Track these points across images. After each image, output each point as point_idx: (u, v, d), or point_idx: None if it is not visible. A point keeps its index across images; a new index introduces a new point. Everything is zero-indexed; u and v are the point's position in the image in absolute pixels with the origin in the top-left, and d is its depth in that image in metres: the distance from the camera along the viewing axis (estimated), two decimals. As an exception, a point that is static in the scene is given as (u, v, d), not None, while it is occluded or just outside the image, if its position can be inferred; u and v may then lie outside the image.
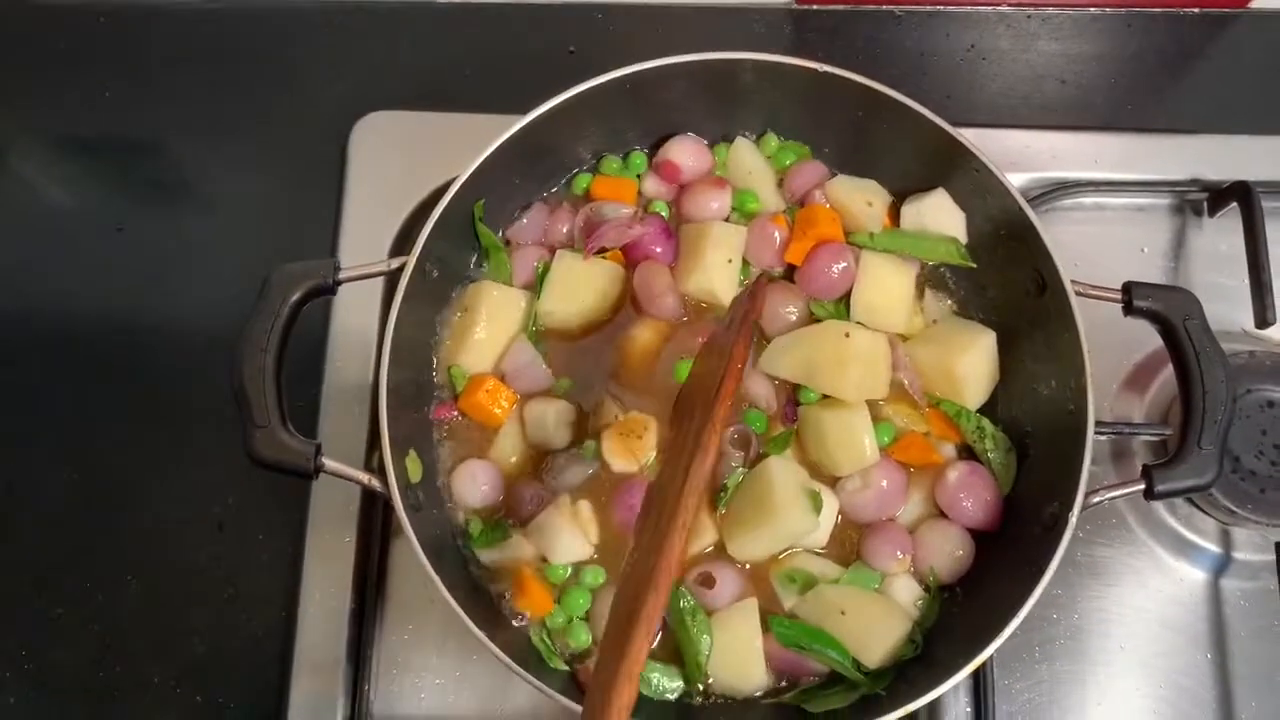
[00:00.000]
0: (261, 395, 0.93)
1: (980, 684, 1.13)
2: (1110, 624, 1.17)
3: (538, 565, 1.08)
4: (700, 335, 1.14)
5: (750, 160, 1.20)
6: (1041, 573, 0.95)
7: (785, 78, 1.12)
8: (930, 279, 1.18)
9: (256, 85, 1.41)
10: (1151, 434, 1.21)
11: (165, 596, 1.20)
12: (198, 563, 1.21)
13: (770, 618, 1.05)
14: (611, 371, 1.14)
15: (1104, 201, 1.31)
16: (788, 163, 1.21)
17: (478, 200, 1.12)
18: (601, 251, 1.15)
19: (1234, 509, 1.15)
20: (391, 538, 1.19)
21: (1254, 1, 1.42)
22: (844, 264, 1.13)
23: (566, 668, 1.04)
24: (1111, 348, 1.21)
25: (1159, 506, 1.21)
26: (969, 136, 1.08)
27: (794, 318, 1.14)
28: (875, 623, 1.04)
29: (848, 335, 1.08)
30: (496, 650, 0.94)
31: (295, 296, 0.97)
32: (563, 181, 1.22)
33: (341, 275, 1.00)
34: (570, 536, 1.06)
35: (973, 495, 1.08)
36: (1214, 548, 1.20)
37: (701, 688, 1.05)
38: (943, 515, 1.10)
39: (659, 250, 1.16)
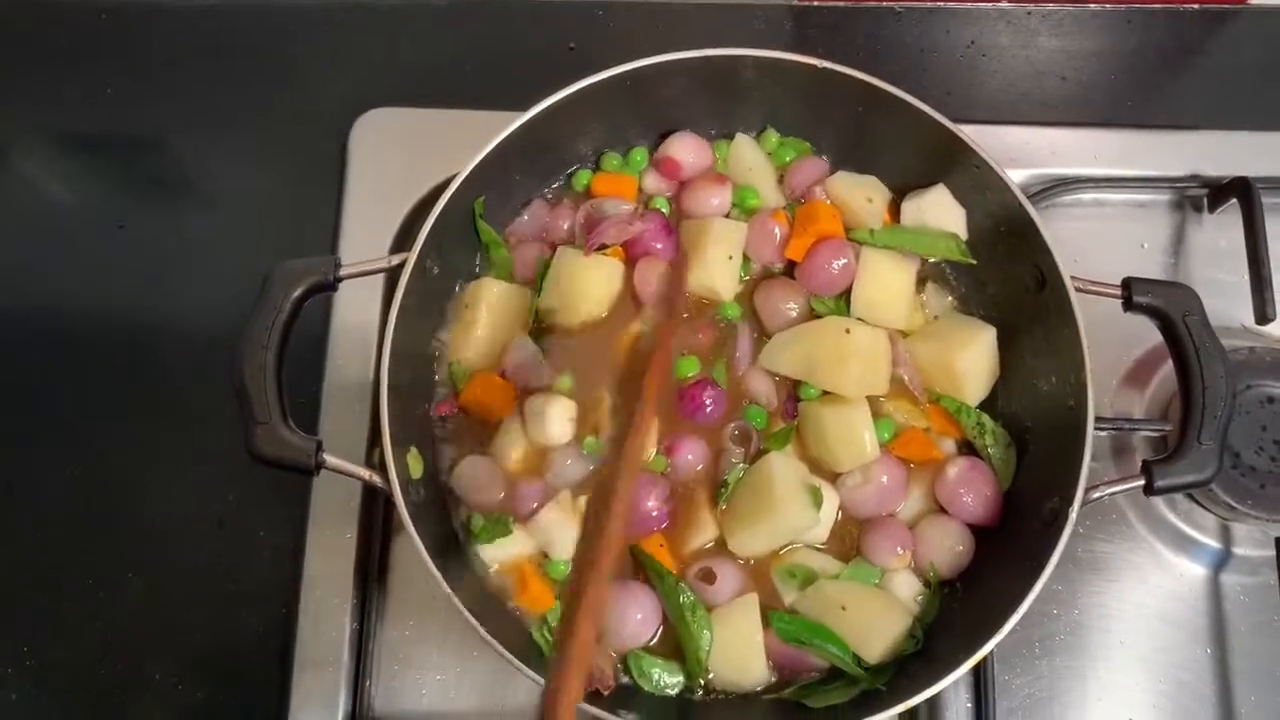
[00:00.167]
0: (263, 392, 0.93)
1: (980, 679, 1.13)
2: (1110, 619, 1.17)
3: (539, 561, 1.08)
4: (700, 332, 1.15)
5: (751, 157, 1.20)
6: (1041, 568, 0.95)
7: (785, 74, 1.12)
8: (932, 274, 1.18)
9: (257, 82, 1.41)
10: (1151, 430, 1.21)
11: (166, 593, 1.20)
12: (199, 560, 1.21)
13: (771, 613, 1.05)
14: (612, 367, 1.14)
15: (1104, 197, 1.32)
16: (788, 159, 1.21)
17: (478, 197, 1.12)
18: (602, 248, 1.15)
19: (1234, 504, 1.15)
20: (393, 534, 1.19)
21: (1254, -3, 1.43)
22: (844, 260, 1.13)
23: (567, 663, 1.04)
24: (1111, 343, 1.21)
25: (1159, 502, 1.21)
26: (969, 133, 1.08)
27: (794, 314, 1.14)
28: (875, 618, 1.04)
29: (848, 331, 1.08)
30: (498, 646, 0.94)
31: (296, 293, 0.97)
32: (563, 178, 1.22)
33: (342, 272, 1.00)
34: (571, 532, 1.06)
35: (973, 491, 1.09)
36: (1214, 543, 1.20)
37: (702, 683, 1.05)
38: (943, 511, 1.10)
39: (659, 246, 1.16)
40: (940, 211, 1.15)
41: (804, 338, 1.11)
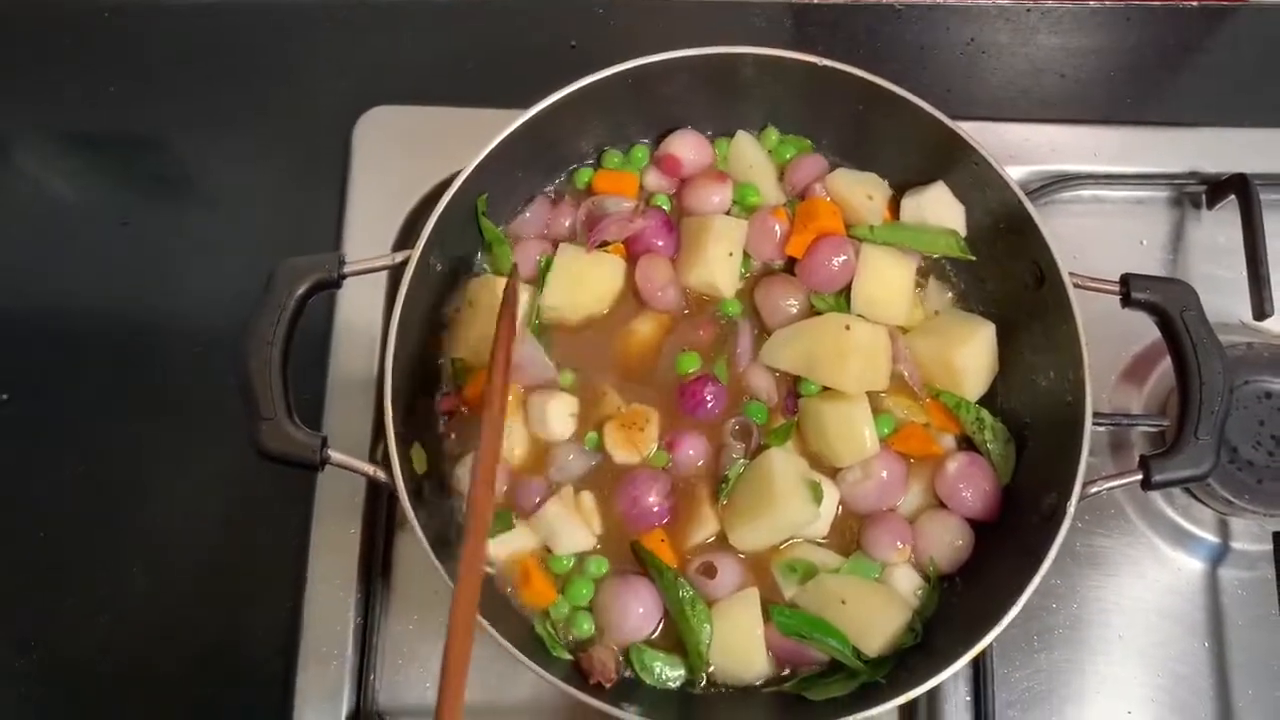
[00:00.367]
0: (268, 388, 0.94)
1: (979, 672, 1.13)
2: (1109, 613, 1.18)
3: (541, 556, 1.08)
4: (701, 329, 1.15)
5: (751, 154, 1.20)
6: (1040, 562, 0.96)
7: (785, 72, 1.12)
8: (932, 270, 1.19)
9: (260, 80, 1.41)
10: (1149, 425, 1.22)
11: (171, 588, 1.21)
12: (203, 555, 1.21)
13: (771, 607, 1.06)
14: (613, 364, 1.15)
15: (1103, 194, 1.32)
16: (788, 156, 1.22)
17: (480, 195, 1.12)
18: (603, 245, 1.16)
19: (1231, 499, 1.16)
20: (396, 529, 1.20)
21: (1252, -5, 1.43)
22: (844, 257, 1.14)
23: (569, 656, 1.05)
24: (1110, 339, 1.22)
25: (1157, 497, 1.22)
26: (968, 130, 1.09)
27: (795, 310, 1.15)
28: (875, 612, 1.05)
29: (848, 328, 1.09)
30: (501, 639, 0.95)
31: (300, 290, 0.98)
32: (565, 175, 1.22)
33: (346, 269, 1.00)
34: (573, 528, 1.07)
35: (972, 486, 1.09)
36: (1212, 538, 1.21)
37: (704, 676, 1.05)
38: (942, 506, 1.11)
39: (660, 243, 1.16)
40: (940, 208, 1.16)
41: (804, 334, 1.12)
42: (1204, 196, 1.31)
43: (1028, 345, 1.11)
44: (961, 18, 1.44)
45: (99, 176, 1.40)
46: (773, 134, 1.22)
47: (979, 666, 1.13)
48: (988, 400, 1.14)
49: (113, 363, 1.29)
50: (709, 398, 1.11)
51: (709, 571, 1.06)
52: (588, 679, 1.01)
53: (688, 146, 1.20)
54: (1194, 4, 1.44)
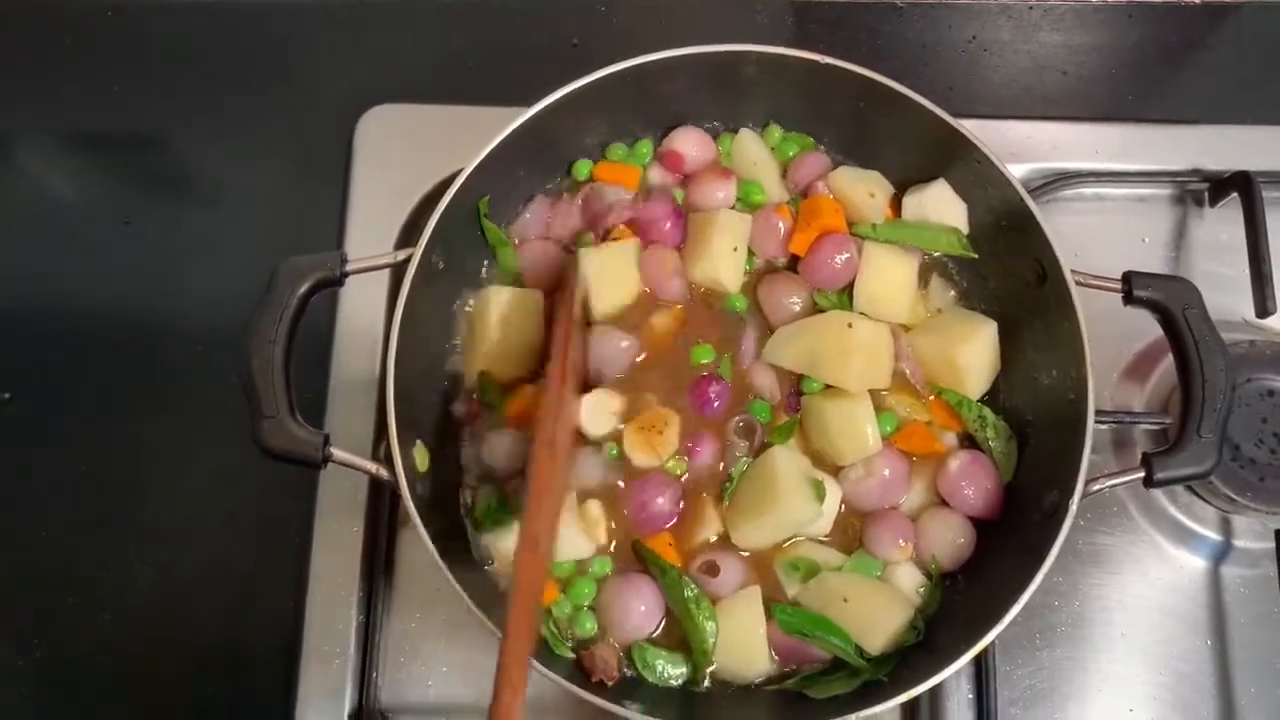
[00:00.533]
0: (270, 386, 0.94)
1: (982, 670, 1.13)
2: (1111, 611, 1.18)
3: None
4: (708, 324, 1.16)
5: (755, 151, 1.20)
6: (1042, 560, 0.96)
7: (787, 70, 1.12)
8: (935, 267, 1.19)
9: (262, 79, 1.41)
10: (1151, 423, 1.22)
11: (174, 586, 1.21)
12: (206, 553, 1.21)
13: (773, 605, 1.06)
14: (640, 364, 1.15)
15: (1105, 192, 1.32)
16: (791, 154, 1.22)
17: (482, 197, 1.12)
18: (607, 234, 1.16)
19: (1234, 497, 1.16)
20: (399, 527, 1.20)
21: (1254, -8, 1.43)
22: (847, 255, 1.14)
23: (572, 655, 1.05)
24: (1112, 337, 1.22)
25: (1159, 494, 1.22)
26: (970, 128, 1.09)
27: (798, 308, 1.15)
28: (877, 610, 1.05)
29: (850, 325, 1.09)
30: (503, 638, 0.95)
31: (303, 288, 0.98)
32: (565, 174, 1.22)
33: (348, 267, 1.00)
34: (571, 535, 1.07)
35: (974, 484, 1.09)
36: (1214, 535, 1.21)
37: (707, 675, 1.05)
38: (944, 504, 1.11)
39: (668, 226, 1.16)
40: (941, 206, 1.16)
41: (807, 332, 1.12)
42: (1206, 194, 1.31)
43: (1030, 343, 1.11)
44: (963, 15, 1.44)
45: (100, 176, 1.40)
46: (775, 131, 1.22)
47: (981, 664, 1.13)
48: (989, 398, 1.14)
49: (114, 362, 1.29)
50: (714, 396, 1.11)
51: (711, 570, 1.06)
52: (590, 677, 1.02)
53: (690, 142, 1.20)
54: (1196, 1, 1.44)
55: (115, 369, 1.29)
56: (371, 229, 1.27)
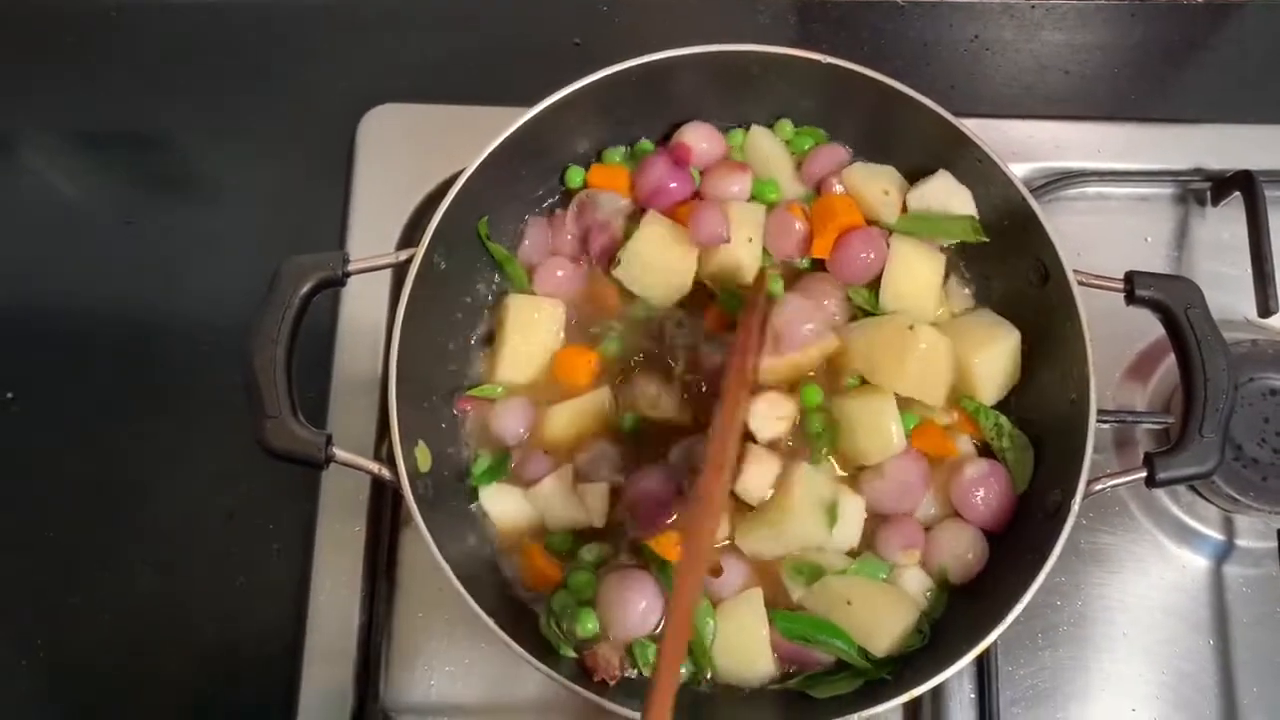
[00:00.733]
0: (273, 386, 0.94)
1: (984, 670, 1.13)
2: (1113, 611, 1.18)
3: (539, 534, 1.10)
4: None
5: (768, 146, 1.20)
6: (1044, 560, 0.96)
7: (789, 69, 1.12)
8: (951, 267, 1.18)
9: (265, 78, 1.41)
10: (1154, 422, 1.22)
11: (177, 586, 1.21)
12: (209, 553, 1.21)
13: (774, 613, 1.05)
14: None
15: (1107, 191, 1.32)
16: (806, 148, 1.21)
17: (480, 218, 1.13)
18: (607, 259, 1.16)
19: (1236, 496, 1.16)
20: (401, 527, 1.20)
21: (1257, -10, 1.43)
22: (876, 250, 1.13)
23: (574, 655, 1.05)
24: (1114, 337, 1.21)
25: (1161, 494, 1.22)
26: (972, 127, 1.09)
27: (833, 309, 1.14)
28: (882, 612, 1.04)
29: (911, 329, 1.08)
30: (505, 637, 0.95)
31: (305, 288, 0.98)
32: (559, 185, 1.22)
33: (350, 267, 1.00)
34: (566, 504, 1.08)
35: (986, 492, 1.07)
36: (1216, 535, 1.21)
37: (709, 674, 1.05)
38: (959, 516, 1.09)
39: (674, 185, 1.15)
40: (944, 196, 1.15)
41: (868, 330, 1.11)
42: (1208, 193, 1.31)
43: (1032, 343, 1.11)
44: (965, 14, 1.44)
45: (103, 176, 1.40)
46: (787, 126, 1.21)
47: (983, 664, 1.13)
48: (1000, 402, 1.13)
49: (117, 362, 1.29)
50: None
51: (714, 570, 1.06)
52: (592, 677, 1.02)
53: (700, 136, 1.19)
54: (1198, 0, 1.43)
55: (117, 369, 1.29)
56: (374, 229, 1.28)
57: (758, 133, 1.21)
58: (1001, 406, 1.13)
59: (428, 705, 1.15)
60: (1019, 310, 1.12)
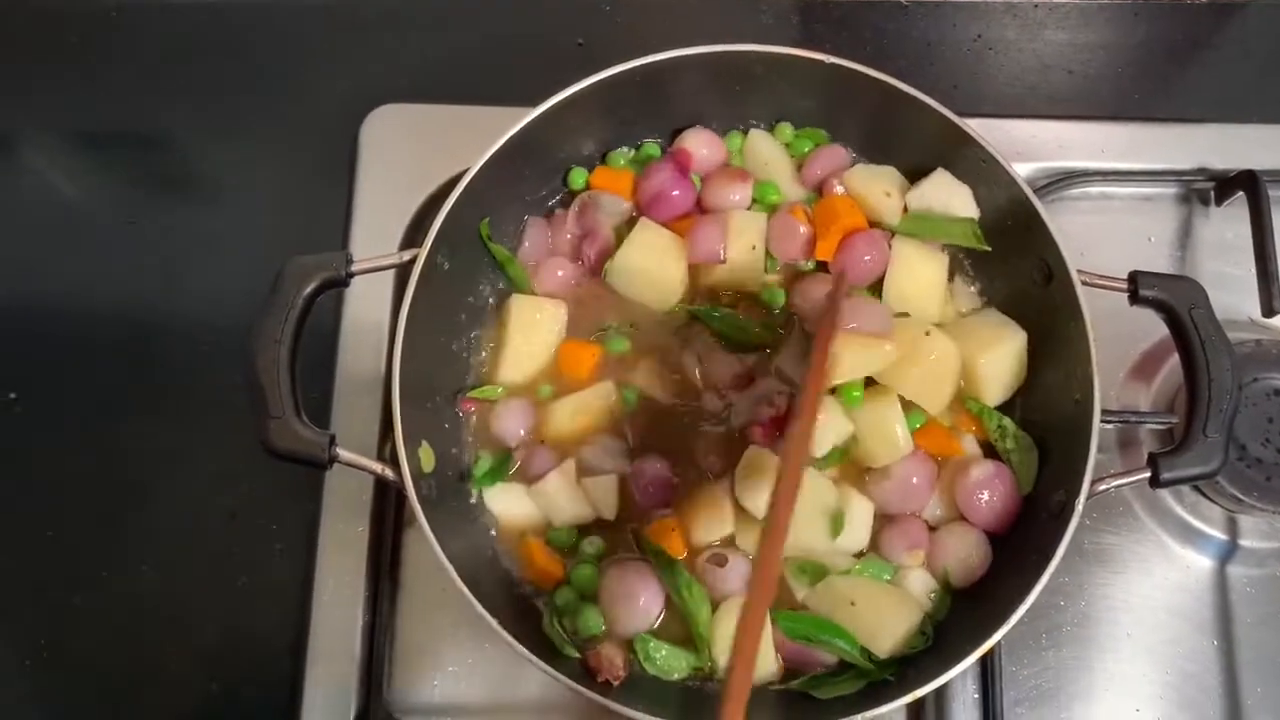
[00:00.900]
0: (276, 386, 0.94)
1: (987, 670, 1.13)
2: (1117, 611, 1.18)
3: (542, 532, 1.10)
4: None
5: (767, 150, 1.20)
6: (1048, 560, 0.96)
7: (792, 69, 1.12)
8: (955, 266, 1.17)
9: (267, 78, 1.41)
10: (1158, 422, 1.21)
11: (180, 586, 1.21)
12: (212, 553, 1.21)
13: (776, 613, 1.05)
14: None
15: (1110, 191, 1.32)
16: (806, 150, 1.21)
17: (483, 219, 1.13)
18: (603, 260, 1.16)
19: (1240, 496, 1.16)
20: (404, 527, 1.20)
21: (1261, -10, 1.43)
22: (879, 251, 1.13)
23: (578, 655, 1.05)
24: (1118, 337, 1.21)
25: (1165, 494, 1.21)
26: (975, 126, 1.09)
27: None
28: (886, 613, 1.05)
29: (928, 334, 1.08)
30: (508, 637, 0.95)
31: (308, 289, 0.98)
32: (561, 188, 1.22)
33: (354, 268, 1.00)
34: (571, 499, 1.08)
35: (990, 495, 1.07)
36: (1220, 535, 1.20)
37: (709, 665, 1.05)
38: (964, 519, 1.09)
39: (676, 194, 1.16)
40: (943, 195, 1.14)
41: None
42: (1212, 193, 1.31)
43: (1035, 343, 1.11)
44: (968, 14, 1.44)
45: (104, 176, 1.40)
46: (786, 129, 1.21)
47: (987, 664, 1.13)
48: (1004, 403, 1.13)
49: (119, 362, 1.29)
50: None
51: (719, 561, 1.05)
52: (595, 677, 1.02)
53: (700, 142, 1.19)
54: (1202, 0, 1.44)
55: (120, 369, 1.29)
56: (377, 229, 1.27)
57: (756, 136, 1.21)
58: (1006, 407, 1.13)
59: (431, 705, 1.15)
60: (1023, 310, 1.12)
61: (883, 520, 1.10)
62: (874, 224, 1.16)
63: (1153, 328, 1.11)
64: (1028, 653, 1.16)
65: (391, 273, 1.18)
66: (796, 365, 1.13)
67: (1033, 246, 1.07)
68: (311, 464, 0.95)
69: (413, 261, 1.03)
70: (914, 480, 1.08)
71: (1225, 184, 1.28)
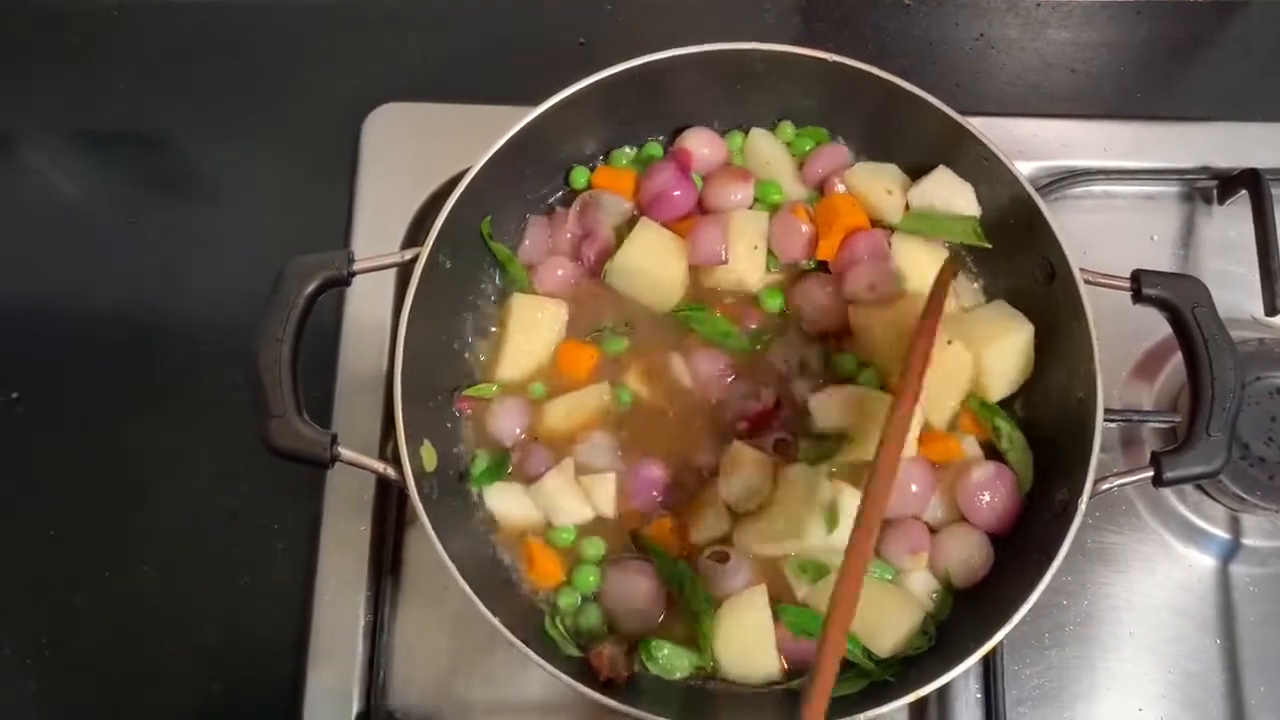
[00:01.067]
0: (278, 385, 0.94)
1: (990, 670, 1.13)
2: (1119, 610, 1.18)
3: (543, 532, 1.10)
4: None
5: (768, 149, 1.20)
6: (1051, 559, 0.96)
7: (794, 68, 1.12)
8: (959, 263, 1.17)
9: (268, 78, 1.41)
10: (1160, 421, 1.21)
11: (181, 585, 1.21)
12: (213, 552, 1.21)
13: (779, 606, 1.05)
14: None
15: (1113, 190, 1.32)
16: (807, 149, 1.21)
17: (484, 218, 1.13)
18: (603, 261, 1.16)
19: (1243, 495, 1.16)
20: (406, 526, 1.19)
21: (1263, -12, 1.42)
22: (880, 251, 1.13)
23: (579, 653, 1.05)
24: (1121, 336, 1.21)
25: (1168, 493, 1.21)
26: (978, 125, 1.09)
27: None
28: (887, 613, 1.04)
29: (950, 343, 1.08)
30: (510, 636, 0.95)
31: (310, 288, 0.98)
32: (562, 187, 1.22)
33: (355, 267, 1.00)
34: (570, 498, 1.08)
35: (992, 496, 1.07)
36: (1223, 534, 1.20)
37: (711, 664, 1.05)
38: (965, 520, 1.09)
39: (678, 194, 1.15)
40: (944, 192, 1.14)
41: (894, 327, 1.10)
42: (1215, 192, 1.30)
43: (1038, 341, 1.11)
44: (971, 13, 1.44)
45: (105, 175, 1.40)
46: (788, 128, 1.21)
47: (989, 664, 1.13)
48: (1004, 400, 1.12)
49: (121, 361, 1.29)
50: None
51: (720, 557, 1.05)
52: (598, 677, 1.01)
53: (702, 141, 1.19)
54: (1205, -2, 1.44)
55: (122, 368, 1.29)
56: (378, 228, 1.27)
57: (757, 135, 1.21)
58: (1007, 405, 1.12)
59: (432, 704, 1.15)
60: (1025, 309, 1.12)
61: (883, 523, 1.08)
62: (875, 222, 1.16)
63: (1155, 326, 1.10)
64: (1030, 652, 1.16)
65: (393, 272, 1.18)
66: (791, 357, 1.15)
67: (1035, 245, 1.07)
68: (313, 463, 0.95)
69: (414, 260, 1.02)
70: (913, 483, 1.07)
71: (1228, 182, 1.28)
